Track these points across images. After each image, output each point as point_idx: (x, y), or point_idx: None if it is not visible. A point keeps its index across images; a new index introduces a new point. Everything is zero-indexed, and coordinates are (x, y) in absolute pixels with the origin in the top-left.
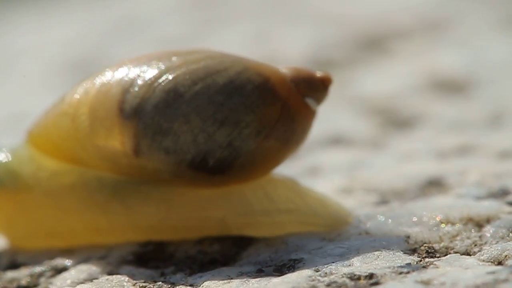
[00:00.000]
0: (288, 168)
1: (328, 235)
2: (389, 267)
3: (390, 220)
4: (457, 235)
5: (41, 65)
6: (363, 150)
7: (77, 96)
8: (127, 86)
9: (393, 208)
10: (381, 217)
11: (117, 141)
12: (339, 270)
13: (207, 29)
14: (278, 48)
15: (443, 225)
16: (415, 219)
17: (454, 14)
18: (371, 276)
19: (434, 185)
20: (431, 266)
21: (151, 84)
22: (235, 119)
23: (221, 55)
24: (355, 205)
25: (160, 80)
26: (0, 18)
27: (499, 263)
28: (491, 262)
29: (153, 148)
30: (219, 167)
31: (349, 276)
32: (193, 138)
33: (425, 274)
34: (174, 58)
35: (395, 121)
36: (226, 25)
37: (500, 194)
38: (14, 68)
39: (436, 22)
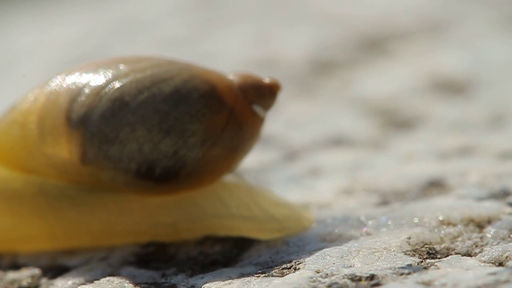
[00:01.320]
0: (288, 169)
1: (328, 236)
2: (390, 268)
3: (391, 221)
4: (458, 236)
5: (42, 66)
6: (364, 151)
7: (26, 104)
8: (74, 95)
9: (394, 209)
10: (382, 218)
11: (64, 149)
12: (340, 271)
13: (208, 30)
14: (279, 49)
15: (444, 226)
16: (416, 220)
17: (455, 15)
18: (372, 277)
19: (435, 186)
20: (432, 267)
21: (97, 93)
22: (181, 128)
23: (169, 62)
24: (356, 206)
25: (107, 89)
26: (1, 19)
27: (500, 264)
28: (492, 263)
29: (100, 157)
30: (165, 176)
31: (350, 277)
32: (139, 147)
33: (426, 275)
34: (121, 66)
35: (396, 122)
36: (227, 26)
37: (501, 195)
38: (15, 69)
39: (437, 23)
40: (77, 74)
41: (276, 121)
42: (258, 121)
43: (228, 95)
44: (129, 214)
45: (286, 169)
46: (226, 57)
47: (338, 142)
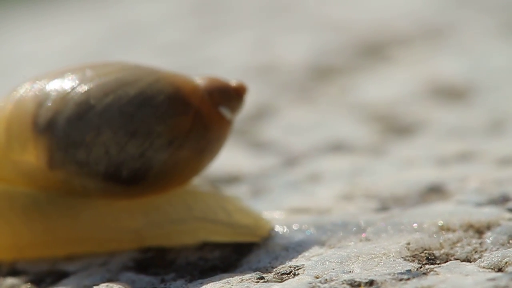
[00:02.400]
0: (288, 175)
1: (328, 241)
2: (389, 274)
3: (390, 227)
4: (457, 242)
5: (42, 72)
6: (363, 157)
7: None
8: (41, 100)
9: (394, 214)
10: (381, 223)
11: (32, 155)
12: (339, 276)
13: (207, 36)
14: (278, 54)
15: (443, 232)
16: (415, 225)
17: (454, 21)
18: (371, 282)
19: (435, 191)
20: (432, 272)
21: (64, 97)
22: (146, 130)
23: (135, 67)
24: (356, 211)
25: (73, 94)
26: (2, 25)
27: (499, 270)
28: (492, 268)
29: (67, 161)
30: (133, 178)
31: (349, 282)
32: (105, 149)
33: (426, 281)
34: (87, 71)
35: (395, 127)
36: (226, 32)
37: (501, 200)
38: (15, 74)
39: (436, 29)
40: (43, 80)
41: (276, 127)
42: (225, 123)
43: (194, 97)
44: (95, 219)
45: (286, 175)
46: (226, 62)
47: (337, 147)
